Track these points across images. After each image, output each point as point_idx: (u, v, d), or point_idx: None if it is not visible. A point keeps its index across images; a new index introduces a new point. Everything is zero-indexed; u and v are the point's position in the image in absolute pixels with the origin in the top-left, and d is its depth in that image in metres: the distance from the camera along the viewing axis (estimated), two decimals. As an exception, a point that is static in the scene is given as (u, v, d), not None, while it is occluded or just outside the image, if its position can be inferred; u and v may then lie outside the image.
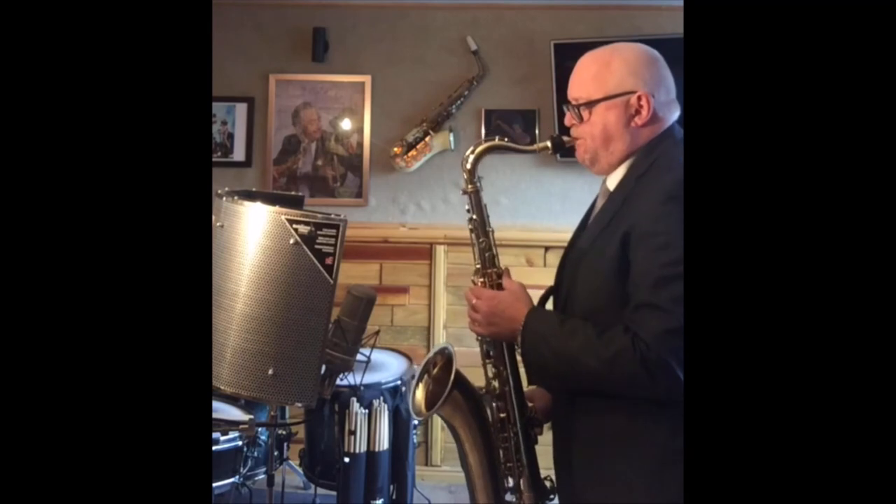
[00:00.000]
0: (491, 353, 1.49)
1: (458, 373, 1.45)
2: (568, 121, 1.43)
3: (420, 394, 1.53)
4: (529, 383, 1.55)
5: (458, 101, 3.48)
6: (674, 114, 1.41)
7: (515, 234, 3.33)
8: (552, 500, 1.50)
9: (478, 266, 1.49)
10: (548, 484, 1.50)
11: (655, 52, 1.41)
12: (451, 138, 3.46)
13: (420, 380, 1.55)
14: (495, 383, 1.49)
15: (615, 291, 1.30)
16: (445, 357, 1.53)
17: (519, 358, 1.47)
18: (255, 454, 2.35)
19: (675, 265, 1.20)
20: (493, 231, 1.50)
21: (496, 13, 3.52)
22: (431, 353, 1.57)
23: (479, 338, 1.50)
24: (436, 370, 1.54)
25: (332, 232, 1.44)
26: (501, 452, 1.49)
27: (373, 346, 1.77)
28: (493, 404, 1.49)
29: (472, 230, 1.49)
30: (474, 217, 1.49)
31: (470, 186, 1.49)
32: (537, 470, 1.49)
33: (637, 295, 1.26)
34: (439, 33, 3.54)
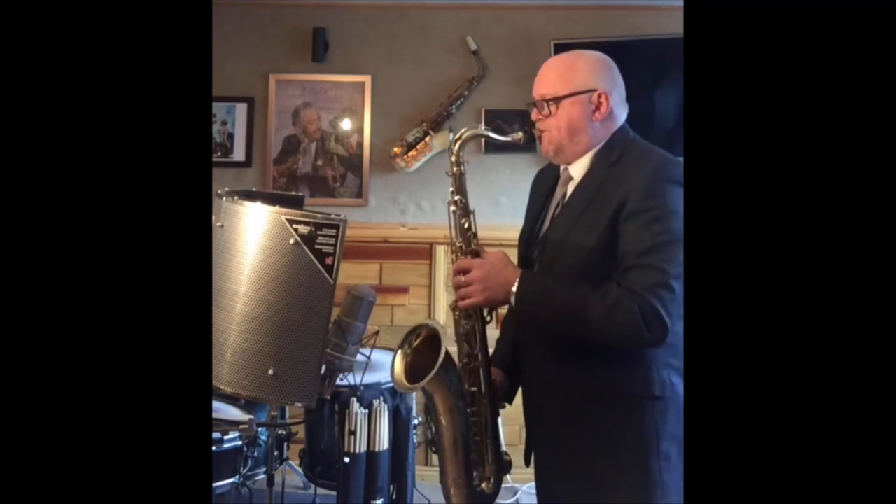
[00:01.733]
0: (465, 327, 1.56)
1: (447, 354, 1.49)
2: (535, 116, 1.57)
3: (399, 365, 1.57)
4: (514, 338, 1.65)
5: (458, 101, 3.48)
6: (624, 113, 1.57)
7: (515, 234, 3.31)
8: (509, 472, 1.61)
9: (459, 244, 1.57)
10: (506, 458, 1.60)
11: (611, 60, 1.58)
12: (451, 138, 3.45)
13: (400, 349, 1.58)
14: (465, 359, 1.57)
15: (599, 267, 1.42)
16: (429, 331, 1.56)
17: (489, 333, 1.56)
18: (255, 454, 2.34)
19: (666, 234, 1.36)
20: (473, 212, 1.59)
21: (496, 13, 3.51)
22: (411, 328, 1.61)
23: (459, 314, 1.57)
24: (417, 342, 1.58)
25: (332, 232, 1.44)
26: (473, 426, 1.56)
27: (373, 346, 1.76)
28: (469, 378, 1.56)
29: (454, 211, 1.58)
30: (458, 198, 1.58)
31: (456, 169, 1.59)
32: (500, 442, 1.59)
33: (627, 260, 1.39)
34: (439, 33, 3.54)
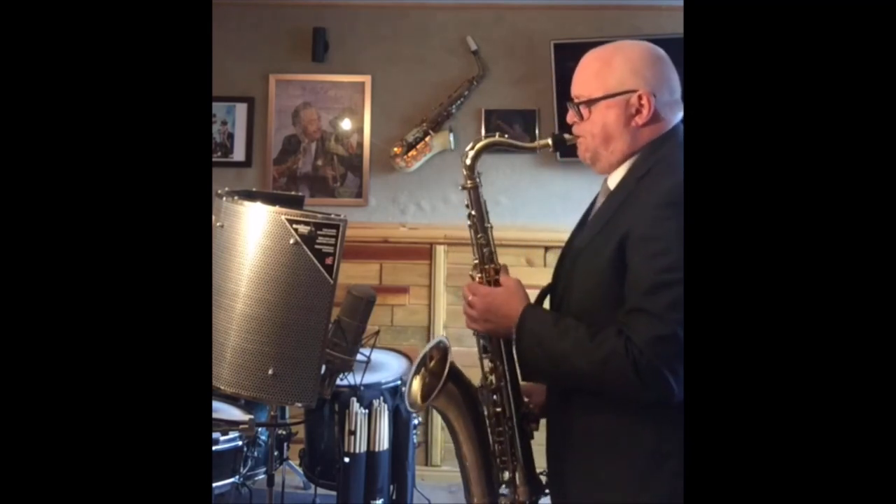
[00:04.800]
0: (488, 347, 1.50)
1: (452, 365, 1.46)
2: (570, 118, 1.43)
3: (416, 386, 1.54)
4: (523, 380, 1.54)
5: (458, 101, 3.48)
6: (677, 114, 1.39)
7: (515, 234, 3.32)
8: (546, 494, 1.51)
9: (476, 261, 1.49)
10: (543, 479, 1.51)
11: (661, 51, 1.40)
12: (451, 138, 3.46)
13: (416, 372, 1.56)
14: (492, 378, 1.49)
15: (610, 292, 1.30)
16: (441, 351, 1.54)
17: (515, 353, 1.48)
18: (255, 454, 2.35)
19: (670, 271, 1.20)
20: (491, 227, 1.50)
21: (496, 13, 3.52)
22: (428, 347, 1.58)
23: (476, 333, 1.50)
24: (432, 363, 1.55)
25: (332, 232, 1.44)
26: (497, 447, 1.50)
27: (373, 346, 1.77)
28: (493, 398, 1.49)
29: (470, 226, 1.49)
30: (473, 213, 1.49)
31: (469, 182, 1.48)
32: (532, 465, 1.50)
33: (631, 299, 1.26)
34: (439, 33, 3.54)
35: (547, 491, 1.51)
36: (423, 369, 1.56)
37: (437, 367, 1.53)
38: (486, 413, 1.51)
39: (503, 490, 1.50)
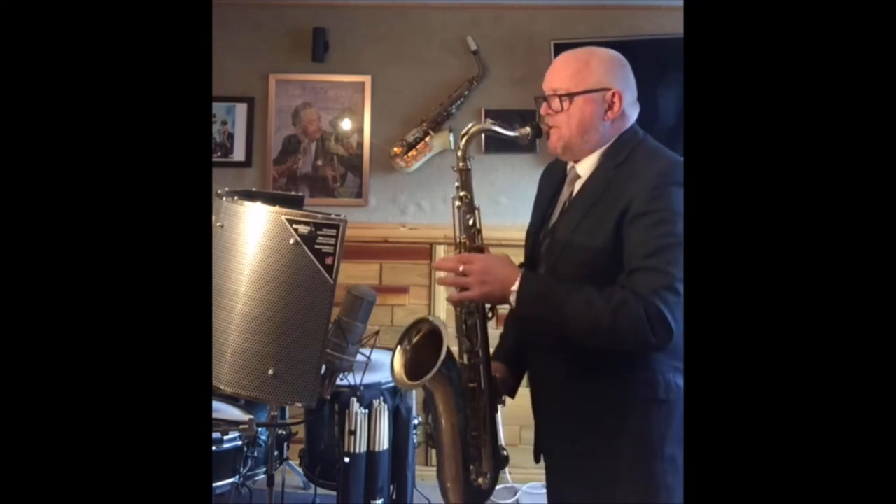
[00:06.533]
0: (467, 322, 1.56)
1: (449, 350, 1.48)
2: (544, 110, 1.56)
3: (399, 362, 1.55)
4: (519, 339, 1.66)
5: (458, 101, 3.48)
6: (635, 113, 1.57)
7: (515, 234, 3.29)
8: (505, 468, 1.61)
9: (463, 240, 1.56)
10: (504, 453, 1.60)
11: (624, 58, 1.56)
12: (451, 138, 3.46)
13: (399, 346, 1.56)
14: (466, 356, 1.57)
15: (604, 268, 1.42)
16: (429, 327, 1.55)
17: (490, 331, 1.56)
18: (255, 454, 2.34)
19: (669, 237, 1.35)
20: (479, 208, 1.58)
21: (496, 13, 3.52)
22: (411, 323, 1.59)
23: (459, 309, 1.57)
24: (417, 337, 1.56)
25: (332, 232, 1.44)
26: (472, 423, 1.56)
27: (373, 346, 1.76)
28: (470, 375, 1.56)
29: (459, 207, 1.57)
30: (464, 194, 1.57)
31: (462, 164, 1.57)
32: (497, 439, 1.59)
33: (632, 263, 1.38)
34: (439, 33, 3.54)
35: (506, 465, 1.60)
36: (405, 342, 1.56)
37: (423, 342, 1.54)
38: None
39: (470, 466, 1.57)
